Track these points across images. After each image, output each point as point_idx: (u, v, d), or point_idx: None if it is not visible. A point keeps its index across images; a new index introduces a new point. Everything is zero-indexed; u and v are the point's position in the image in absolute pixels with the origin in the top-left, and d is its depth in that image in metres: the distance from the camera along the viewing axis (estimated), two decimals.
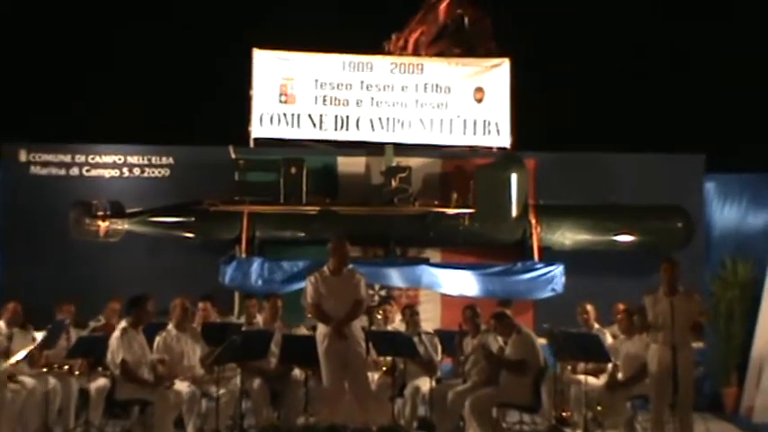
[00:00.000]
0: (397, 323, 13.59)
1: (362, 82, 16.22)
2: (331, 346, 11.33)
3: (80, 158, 16.05)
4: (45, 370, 11.97)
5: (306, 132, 16.12)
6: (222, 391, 11.53)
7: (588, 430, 11.76)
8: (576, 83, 19.07)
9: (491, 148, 16.30)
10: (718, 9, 19.01)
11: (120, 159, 16.12)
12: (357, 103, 16.16)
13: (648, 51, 19.80)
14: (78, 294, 13.70)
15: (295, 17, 18.55)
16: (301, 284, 12.37)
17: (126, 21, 19.44)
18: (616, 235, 15.37)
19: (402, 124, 16.16)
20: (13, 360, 11.69)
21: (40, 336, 12.33)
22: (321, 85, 16.16)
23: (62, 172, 16.01)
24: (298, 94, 16.13)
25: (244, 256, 15.02)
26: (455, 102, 16.25)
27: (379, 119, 16.17)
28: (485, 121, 16.24)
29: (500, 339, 12.05)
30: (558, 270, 14.80)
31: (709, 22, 19.09)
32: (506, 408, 12.06)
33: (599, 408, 11.82)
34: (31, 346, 12.01)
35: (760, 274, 15.33)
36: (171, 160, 16.14)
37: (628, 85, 19.45)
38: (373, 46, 16.78)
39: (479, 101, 16.26)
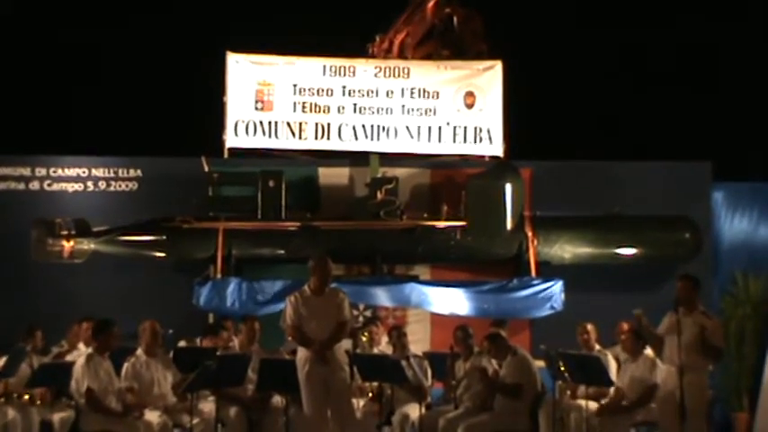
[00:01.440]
0: (384, 346, 13.56)
1: (345, 87, 16.24)
2: (312, 370, 11.28)
3: (41, 171, 15.95)
4: (3, 400, 11.88)
5: (284, 142, 16.15)
6: (196, 420, 11.44)
7: None
8: (573, 86, 19.11)
9: (483, 156, 16.34)
10: (726, 10, 19.08)
11: (84, 172, 16.03)
12: (339, 110, 16.18)
13: (651, 53, 19.87)
14: (35, 318, 13.66)
15: (272, 18, 18.58)
16: (281, 306, 12.31)
17: (90, 24, 19.45)
18: (618, 248, 15.34)
19: (387, 132, 16.18)
20: None
21: None
22: (300, 91, 16.18)
23: (21, 186, 15.91)
24: (275, 100, 16.15)
25: (219, 276, 14.93)
26: (444, 108, 16.27)
27: (363, 127, 16.19)
28: (476, 128, 16.26)
29: (494, 362, 12.03)
30: (556, 286, 14.74)
31: (715, 22, 19.17)
32: None
33: None
34: None
35: None
36: (139, 173, 16.05)
37: (629, 89, 19.51)
38: (356, 49, 16.80)
39: (470, 106, 16.28)
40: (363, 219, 15.22)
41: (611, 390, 12.09)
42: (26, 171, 15.95)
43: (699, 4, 19.16)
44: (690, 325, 10.90)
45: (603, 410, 11.91)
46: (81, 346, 12.96)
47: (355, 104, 16.20)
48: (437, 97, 16.29)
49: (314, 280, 11.59)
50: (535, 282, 14.84)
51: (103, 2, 19.62)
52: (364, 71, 16.30)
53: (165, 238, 15.10)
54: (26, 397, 11.97)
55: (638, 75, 19.71)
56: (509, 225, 15.06)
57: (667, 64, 19.73)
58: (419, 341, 14.75)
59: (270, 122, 16.09)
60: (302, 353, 11.42)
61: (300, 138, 16.15)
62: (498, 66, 16.35)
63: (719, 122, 18.50)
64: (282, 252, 15.25)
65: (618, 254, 15.35)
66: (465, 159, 16.35)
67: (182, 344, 13.17)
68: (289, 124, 16.12)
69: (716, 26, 19.06)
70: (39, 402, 12.05)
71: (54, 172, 16.00)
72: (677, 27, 19.42)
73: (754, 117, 18.44)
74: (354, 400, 12.05)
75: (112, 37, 19.54)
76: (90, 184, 16.01)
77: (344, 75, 16.24)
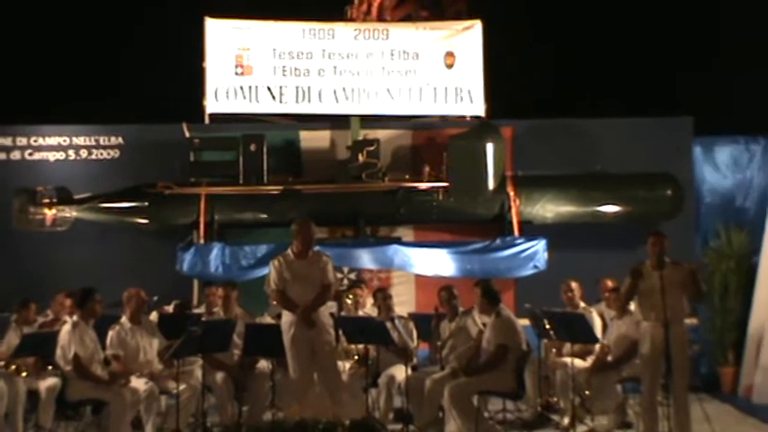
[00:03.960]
0: (369, 308, 13.52)
1: (324, 50, 16.10)
2: (297, 334, 11.25)
3: (22, 141, 15.88)
4: None
5: (265, 106, 16.02)
6: (182, 386, 11.41)
7: (576, 416, 11.73)
8: (553, 45, 19.05)
9: (464, 116, 16.26)
10: None
11: (65, 141, 15.95)
12: (319, 73, 16.05)
13: (629, 9, 19.79)
14: (19, 288, 13.62)
15: None
16: (264, 270, 12.32)
17: None
18: (601, 206, 15.28)
19: (368, 94, 16.06)
20: None
21: None
22: (280, 55, 16.05)
23: (2, 156, 15.84)
24: (255, 65, 16.02)
25: (202, 241, 14.90)
26: (424, 68, 16.15)
27: (344, 89, 16.06)
28: (457, 89, 16.15)
29: (478, 320, 11.99)
30: (539, 245, 14.74)
31: None
32: (488, 395, 11.98)
33: (587, 392, 11.78)
34: None
35: (755, 243, 15.30)
36: (120, 140, 15.98)
37: (608, 46, 19.44)
38: (335, 11, 16.70)
39: (450, 66, 16.17)
40: (345, 181, 15.18)
41: (597, 347, 12.09)
42: (7, 141, 15.88)
43: None
44: (669, 277, 10.87)
45: (593, 369, 11.89)
46: (66, 317, 12.86)
47: (335, 67, 16.06)
48: (417, 58, 16.16)
49: (297, 244, 11.55)
50: (518, 241, 14.84)
51: None
52: (343, 34, 16.16)
53: (147, 204, 15.04)
54: (12, 367, 11.89)
55: (617, 30, 19.62)
56: (491, 185, 15.00)
57: (648, 18, 19.64)
58: (404, 303, 14.75)
59: (250, 87, 15.96)
60: (287, 317, 11.39)
61: (281, 102, 16.02)
62: (477, 25, 16.22)
63: (700, 76, 18.43)
64: (265, 216, 15.20)
65: (600, 212, 15.30)
66: (446, 120, 16.28)
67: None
68: (269, 88, 15.99)
69: None
70: (25, 372, 11.96)
71: (35, 141, 15.92)
72: None
73: (735, 68, 18.34)
74: (340, 363, 12.06)
75: (91, 4, 19.38)
76: (71, 152, 15.95)
77: (324, 38, 16.09)
